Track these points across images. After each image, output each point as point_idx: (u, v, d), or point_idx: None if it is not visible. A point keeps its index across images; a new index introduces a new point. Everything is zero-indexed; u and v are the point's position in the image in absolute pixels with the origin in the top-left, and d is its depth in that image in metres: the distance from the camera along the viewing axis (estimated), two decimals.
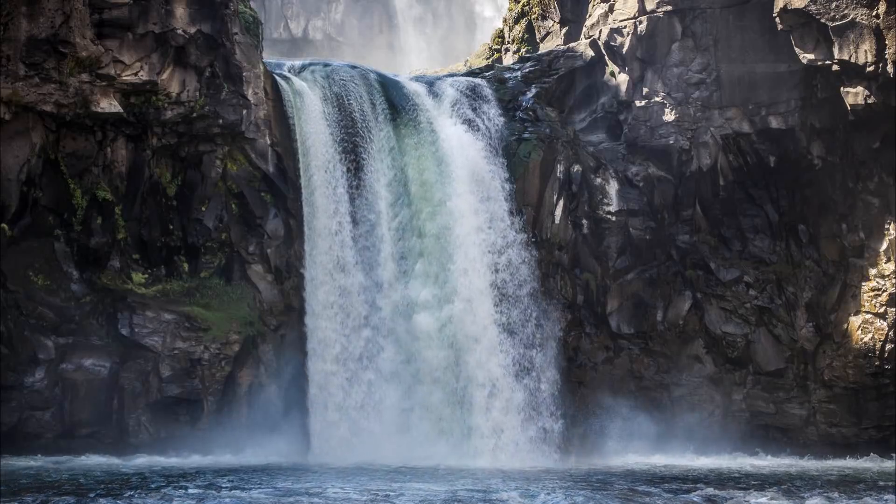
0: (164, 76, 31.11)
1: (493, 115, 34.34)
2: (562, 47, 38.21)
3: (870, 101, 32.22)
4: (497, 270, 31.97)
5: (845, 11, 31.63)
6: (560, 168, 34.62)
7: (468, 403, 30.85)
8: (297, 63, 35.15)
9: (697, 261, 35.42)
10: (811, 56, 32.89)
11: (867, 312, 33.87)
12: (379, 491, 22.34)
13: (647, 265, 35.25)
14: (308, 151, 32.24)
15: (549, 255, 34.19)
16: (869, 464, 32.24)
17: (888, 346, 33.45)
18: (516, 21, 43.57)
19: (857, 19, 31.50)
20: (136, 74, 30.69)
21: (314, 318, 31.41)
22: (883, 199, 34.01)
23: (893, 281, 33.49)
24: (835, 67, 32.49)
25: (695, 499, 21.98)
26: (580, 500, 21.36)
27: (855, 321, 34.01)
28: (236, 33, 32.08)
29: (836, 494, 22.87)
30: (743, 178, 35.64)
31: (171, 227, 32.43)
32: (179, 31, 31.06)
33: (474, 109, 34.09)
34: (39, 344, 30.58)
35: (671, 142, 35.33)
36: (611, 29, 36.15)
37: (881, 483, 25.76)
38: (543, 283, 33.27)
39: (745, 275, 35.28)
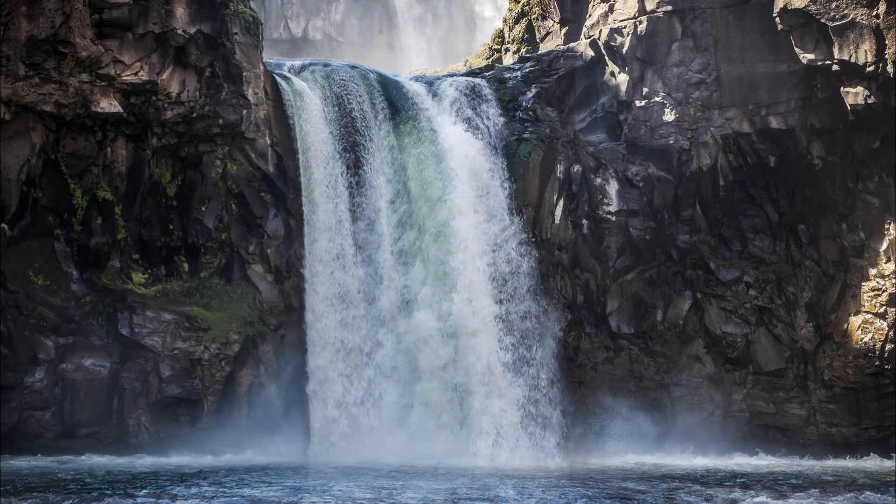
0: (164, 76, 31.11)
1: (493, 114, 34.36)
2: (562, 47, 38.21)
3: (870, 101, 32.22)
4: (496, 263, 31.99)
5: (845, 11, 31.63)
6: (560, 168, 34.63)
7: (467, 392, 30.89)
8: (297, 63, 35.17)
9: (697, 261, 35.42)
10: (811, 56, 32.89)
11: (867, 312, 33.87)
12: (383, 488, 22.53)
13: (647, 265, 35.25)
14: (308, 151, 32.25)
15: (549, 255, 34.19)
16: (869, 464, 32.23)
17: (888, 346, 33.45)
18: (516, 21, 43.58)
19: (857, 19, 31.50)
20: (136, 74, 30.70)
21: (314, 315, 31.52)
22: (883, 199, 34.01)
23: (893, 281, 33.49)
24: (835, 67, 32.49)
25: (698, 499, 21.88)
26: (574, 498, 21.44)
27: (855, 321, 34.01)
28: (236, 33, 32.09)
29: (837, 494, 22.85)
30: (743, 178, 35.64)
31: (171, 227, 32.44)
32: (179, 31, 31.06)
33: (474, 109, 34.12)
34: (39, 344, 30.59)
35: (671, 142, 35.33)
36: (611, 29, 36.15)
37: (881, 483, 25.75)
38: (543, 283, 33.28)
39: (745, 275, 35.29)
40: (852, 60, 31.83)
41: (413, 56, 68.20)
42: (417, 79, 36.53)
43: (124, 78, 30.58)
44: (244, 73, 32.08)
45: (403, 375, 31.13)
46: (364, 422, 30.86)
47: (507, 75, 36.65)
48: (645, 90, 35.64)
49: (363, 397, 31.06)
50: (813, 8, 32.02)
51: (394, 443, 30.17)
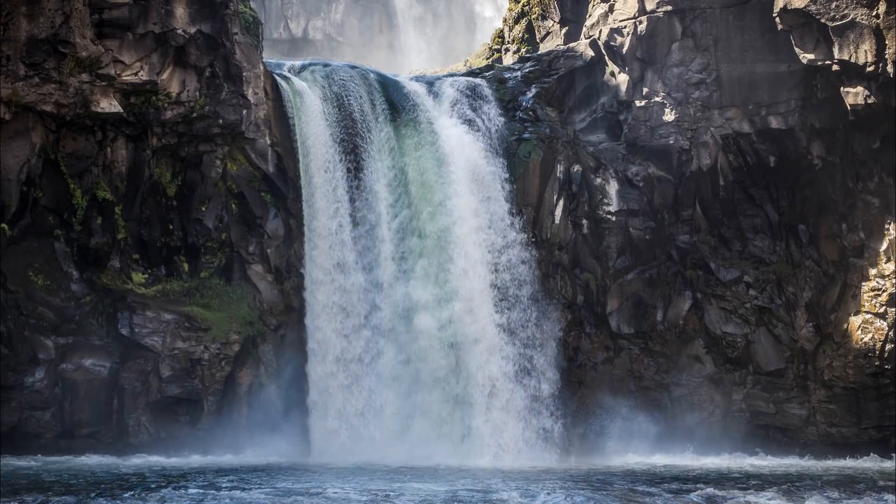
0: (164, 76, 31.11)
1: (493, 115, 34.34)
2: (562, 47, 38.21)
3: (870, 101, 32.22)
4: (497, 271, 31.95)
5: (845, 11, 31.63)
6: (560, 168, 34.62)
7: (468, 405, 30.81)
8: (297, 63, 35.17)
9: (697, 261, 35.42)
10: (811, 56, 32.89)
11: (867, 312, 33.86)
12: (379, 491, 22.20)
13: (647, 265, 35.25)
14: (308, 151, 32.25)
15: (549, 255, 34.18)
16: (869, 464, 32.22)
17: (888, 346, 33.44)
18: (516, 21, 43.58)
19: (857, 19, 31.49)
20: (136, 74, 30.69)
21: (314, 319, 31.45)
22: (883, 199, 34.01)
23: (893, 281, 33.49)
24: (835, 67, 32.49)
25: (695, 499, 21.95)
26: (580, 501, 21.30)
27: (855, 321, 34.00)
28: (236, 33, 32.08)
29: (836, 494, 22.86)
30: (743, 178, 35.64)
31: (171, 227, 32.44)
32: (179, 31, 31.06)
33: (474, 109, 34.10)
34: (39, 344, 30.58)
35: (671, 142, 35.33)
36: (611, 29, 36.15)
37: (881, 483, 25.74)
38: (543, 283, 33.27)
39: (745, 275, 35.29)
40: (852, 60, 31.82)
41: (413, 56, 68.20)
42: (417, 79, 36.52)
43: (124, 78, 30.58)
44: (244, 73, 32.07)
45: (404, 385, 31.07)
46: (364, 433, 30.78)
47: (507, 75, 36.65)
48: (645, 90, 35.64)
49: (363, 408, 30.99)
50: (813, 8, 32.02)
51: (394, 454, 29.90)
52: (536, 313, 32.27)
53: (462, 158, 32.46)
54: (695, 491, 22.99)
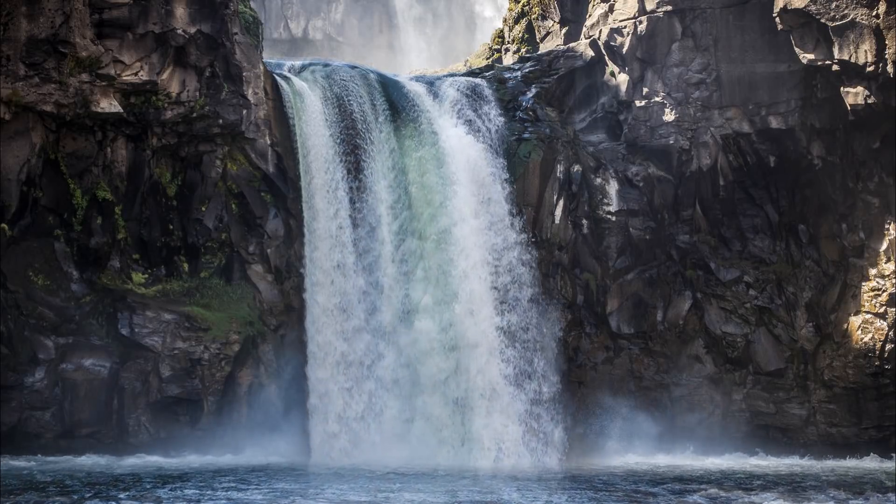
0: (164, 76, 31.11)
1: (493, 115, 34.32)
2: (562, 47, 38.21)
3: (870, 101, 32.21)
4: (497, 273, 31.85)
5: (845, 11, 31.62)
6: (560, 168, 34.61)
7: (468, 408, 30.66)
8: (297, 63, 35.16)
9: (697, 261, 35.42)
10: (811, 56, 32.89)
11: (867, 312, 33.85)
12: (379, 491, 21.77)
13: (647, 265, 35.24)
14: (308, 152, 32.23)
15: (549, 255, 34.17)
16: (869, 464, 32.24)
17: (888, 346, 33.44)
18: (516, 21, 43.58)
19: (857, 19, 31.49)
20: (136, 74, 30.70)
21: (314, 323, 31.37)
22: (883, 199, 34.01)
23: (893, 281, 33.48)
24: (835, 67, 32.48)
25: (699, 499, 21.92)
26: (584, 503, 21.21)
27: (855, 321, 34.00)
28: (236, 33, 32.08)
29: (838, 494, 22.86)
30: (743, 178, 35.64)
31: (171, 227, 32.44)
32: (179, 31, 31.06)
33: (474, 110, 34.07)
34: (39, 344, 30.59)
35: (671, 142, 35.33)
36: (611, 29, 36.15)
37: (881, 483, 25.74)
38: (543, 283, 33.24)
39: (745, 275, 35.29)
40: (852, 60, 31.82)
41: (413, 56, 68.20)
42: (417, 79, 36.49)
43: (124, 78, 30.58)
44: (244, 73, 32.07)
45: (404, 389, 30.98)
46: (365, 437, 30.67)
47: (507, 75, 36.64)
48: (645, 90, 35.63)
49: (364, 412, 30.88)
50: (813, 8, 32.02)
51: (394, 458, 29.78)
52: (537, 316, 32.17)
53: (462, 158, 32.41)
54: (698, 491, 22.84)
